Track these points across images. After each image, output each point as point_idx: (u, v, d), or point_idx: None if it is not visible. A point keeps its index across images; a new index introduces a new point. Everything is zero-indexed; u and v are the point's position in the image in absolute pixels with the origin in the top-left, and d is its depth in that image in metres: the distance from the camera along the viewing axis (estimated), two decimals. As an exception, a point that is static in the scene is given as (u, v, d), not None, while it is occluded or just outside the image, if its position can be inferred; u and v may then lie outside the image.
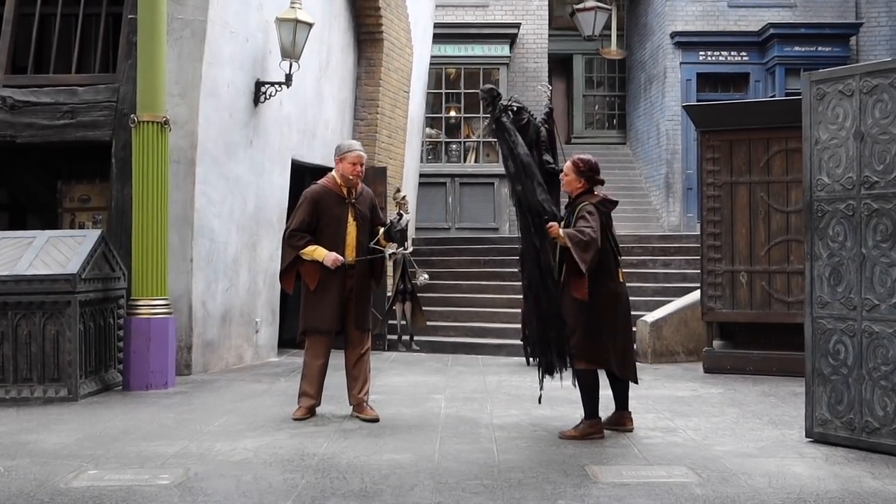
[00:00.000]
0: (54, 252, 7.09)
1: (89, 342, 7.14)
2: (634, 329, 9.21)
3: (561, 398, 6.77)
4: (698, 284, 8.96)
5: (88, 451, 5.14)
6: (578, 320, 5.38)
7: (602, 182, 5.66)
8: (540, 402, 5.53)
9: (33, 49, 8.37)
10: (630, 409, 5.70)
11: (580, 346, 5.38)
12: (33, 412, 6.41)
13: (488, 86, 5.60)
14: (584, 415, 5.51)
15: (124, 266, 7.61)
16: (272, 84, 9.02)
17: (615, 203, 5.63)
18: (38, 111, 8.13)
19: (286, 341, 10.47)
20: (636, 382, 5.66)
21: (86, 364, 7.06)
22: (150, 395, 7.12)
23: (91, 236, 7.29)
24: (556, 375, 5.47)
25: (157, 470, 4.69)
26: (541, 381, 5.48)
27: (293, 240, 5.97)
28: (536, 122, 5.87)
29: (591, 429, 5.46)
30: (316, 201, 5.98)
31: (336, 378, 8.14)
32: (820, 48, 15.47)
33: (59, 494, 4.26)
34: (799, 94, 5.64)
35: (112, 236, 7.77)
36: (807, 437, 5.34)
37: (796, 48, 15.49)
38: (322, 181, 6.11)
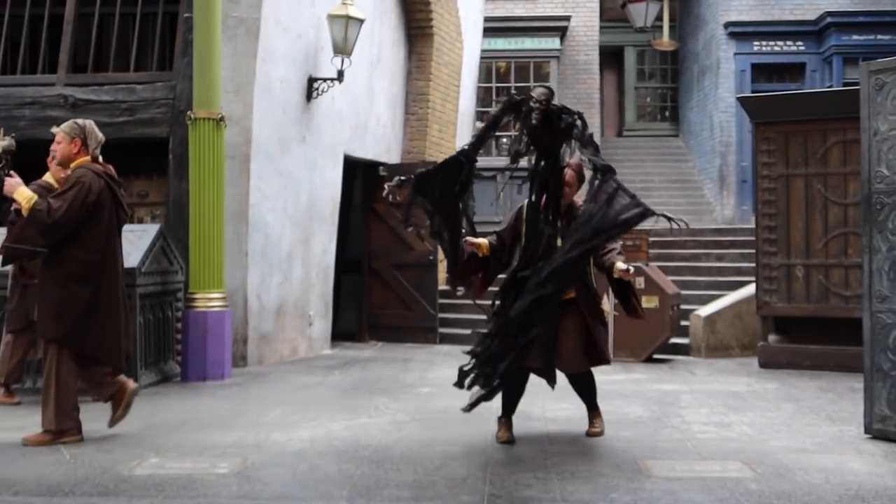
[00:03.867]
0: (115, 246, 7.25)
1: (149, 334, 7.30)
2: (686, 323, 9.17)
3: (612, 392, 6.74)
4: (753, 278, 8.85)
5: (149, 439, 5.28)
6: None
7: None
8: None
9: (93, 48, 8.57)
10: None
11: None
12: (96, 402, 6.57)
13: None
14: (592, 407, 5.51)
15: (182, 260, 7.77)
16: (324, 80, 9.12)
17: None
18: (99, 109, 8.31)
19: (339, 334, 10.60)
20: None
21: (146, 356, 7.22)
22: (208, 386, 7.26)
23: (150, 231, 7.45)
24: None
25: (215, 459, 4.80)
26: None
27: None
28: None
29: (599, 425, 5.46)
30: None
31: (389, 370, 8.23)
32: (879, 36, 15.08)
33: (122, 481, 4.38)
34: (857, 84, 5.53)
35: (170, 231, 7.93)
36: (865, 433, 5.25)
37: (854, 37, 15.13)
38: None
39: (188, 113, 7.64)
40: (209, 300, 7.54)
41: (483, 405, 6.39)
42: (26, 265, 6.33)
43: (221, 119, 7.63)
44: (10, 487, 4.30)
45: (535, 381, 7.44)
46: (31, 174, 10.77)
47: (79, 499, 4.13)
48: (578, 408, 6.19)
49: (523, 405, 6.35)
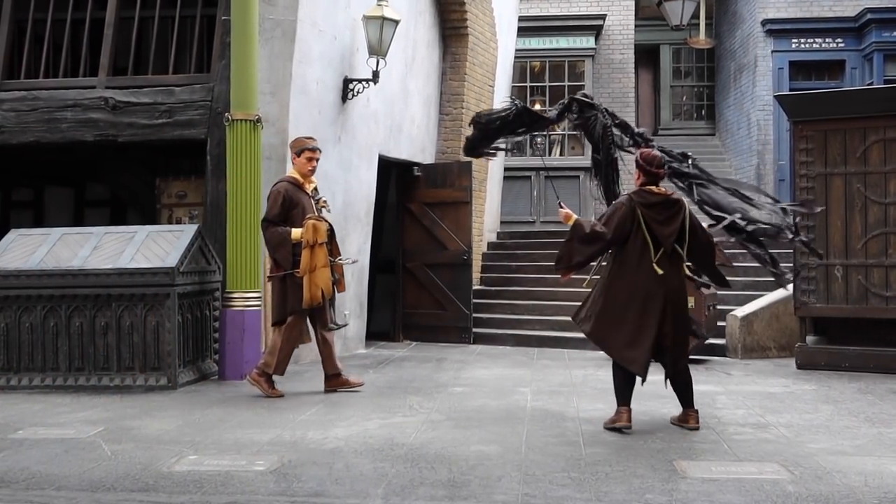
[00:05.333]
0: (154, 246, 7.38)
1: (187, 333, 7.41)
2: (723, 323, 9.10)
3: (649, 393, 6.71)
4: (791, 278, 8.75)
5: (188, 437, 5.36)
6: (594, 305, 5.58)
7: (657, 175, 5.60)
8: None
9: (133, 51, 8.70)
10: (697, 408, 5.61)
11: (593, 332, 5.58)
12: (136, 399, 6.70)
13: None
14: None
15: (219, 260, 7.86)
16: (359, 81, 9.17)
17: (660, 195, 5.54)
18: (138, 111, 8.45)
19: (374, 334, 10.66)
20: (642, 378, 5.53)
21: (184, 354, 7.33)
22: (245, 384, 7.32)
23: (188, 231, 7.56)
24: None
25: (252, 456, 4.87)
26: None
27: None
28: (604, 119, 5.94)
29: (615, 416, 5.54)
30: None
31: (423, 369, 8.26)
32: (921, 33, 14.84)
33: (162, 478, 4.46)
34: (898, 81, 5.46)
35: (207, 231, 8.03)
36: (905, 435, 5.19)
37: (895, 33, 14.89)
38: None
39: (226, 114, 7.73)
40: (246, 299, 7.62)
41: (514, 405, 6.40)
42: (279, 259, 6.70)
43: (258, 120, 7.71)
44: (53, 482, 4.40)
45: (569, 383, 7.43)
46: (71, 175, 11.01)
47: (119, 494, 4.21)
48: (612, 407, 6.17)
49: (557, 405, 6.36)
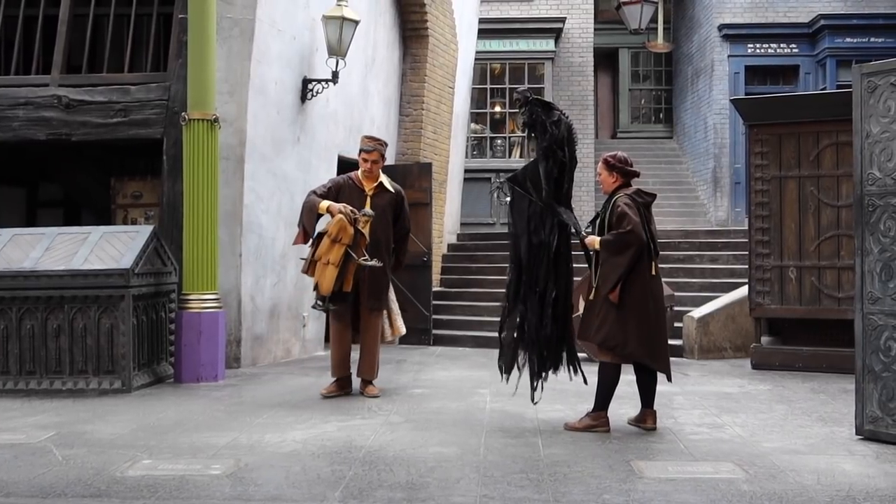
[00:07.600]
0: (108, 247, 7.26)
1: (142, 335, 7.30)
2: (680, 325, 9.22)
3: (606, 393, 6.75)
4: (746, 280, 8.88)
5: (142, 441, 5.27)
6: (608, 314, 5.41)
7: (636, 174, 5.65)
8: (534, 401, 5.74)
9: (87, 49, 8.56)
10: (655, 408, 5.63)
11: (607, 339, 5.42)
12: (89, 403, 6.59)
13: (523, 87, 5.79)
14: (592, 407, 5.56)
15: (175, 261, 7.76)
16: (319, 81, 9.12)
17: (652, 196, 5.61)
18: (93, 110, 8.30)
19: (333, 335, 10.58)
20: (669, 379, 5.60)
21: (139, 357, 7.22)
22: (201, 387, 7.26)
23: (143, 232, 7.45)
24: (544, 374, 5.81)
25: (208, 460, 4.80)
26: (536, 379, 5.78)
27: None
28: (568, 119, 5.81)
29: (595, 422, 5.52)
30: None
31: (382, 371, 8.22)
32: (872, 39, 15.14)
33: (115, 483, 4.38)
34: (850, 86, 5.56)
35: (163, 232, 7.93)
36: (857, 434, 5.27)
37: (847, 39, 15.19)
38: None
39: (182, 114, 7.63)
40: (203, 301, 7.53)
41: (473, 406, 6.41)
42: (305, 223, 6.60)
43: (216, 120, 7.62)
44: (2, 489, 4.30)
45: (528, 384, 7.44)
46: (23, 175, 10.80)
47: (71, 500, 4.13)
48: (572, 409, 6.20)
49: (516, 407, 6.37)
